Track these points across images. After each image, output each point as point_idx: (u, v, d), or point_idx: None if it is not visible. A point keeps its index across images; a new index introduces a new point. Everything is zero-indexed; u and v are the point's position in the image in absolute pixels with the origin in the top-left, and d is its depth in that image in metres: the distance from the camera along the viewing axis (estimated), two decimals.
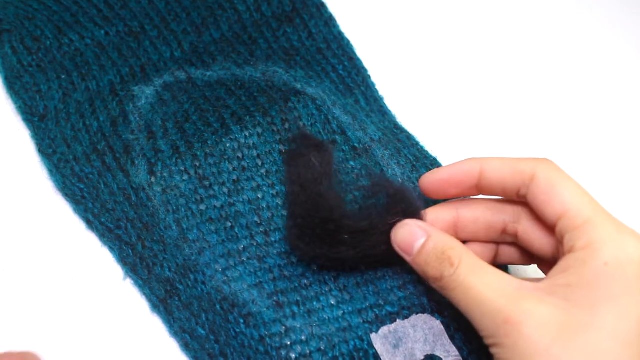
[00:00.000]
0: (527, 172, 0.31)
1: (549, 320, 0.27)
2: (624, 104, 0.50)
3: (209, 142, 0.41)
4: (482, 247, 0.35)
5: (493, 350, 0.29)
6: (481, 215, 0.34)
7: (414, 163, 0.42)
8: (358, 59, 0.50)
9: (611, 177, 0.45)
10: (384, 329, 0.35)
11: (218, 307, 0.35)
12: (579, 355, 0.26)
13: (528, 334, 0.27)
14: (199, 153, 0.41)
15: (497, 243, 0.36)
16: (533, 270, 0.38)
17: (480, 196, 0.35)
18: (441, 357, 0.34)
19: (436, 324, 0.35)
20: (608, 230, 0.28)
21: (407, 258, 0.33)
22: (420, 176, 0.41)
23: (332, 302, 0.36)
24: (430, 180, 0.35)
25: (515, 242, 0.34)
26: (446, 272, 0.30)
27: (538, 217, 0.32)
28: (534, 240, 0.33)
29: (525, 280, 0.30)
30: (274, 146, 0.41)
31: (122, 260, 0.39)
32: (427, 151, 0.44)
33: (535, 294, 0.28)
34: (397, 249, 0.33)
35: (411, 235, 0.33)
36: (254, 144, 0.41)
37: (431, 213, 0.35)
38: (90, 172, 0.43)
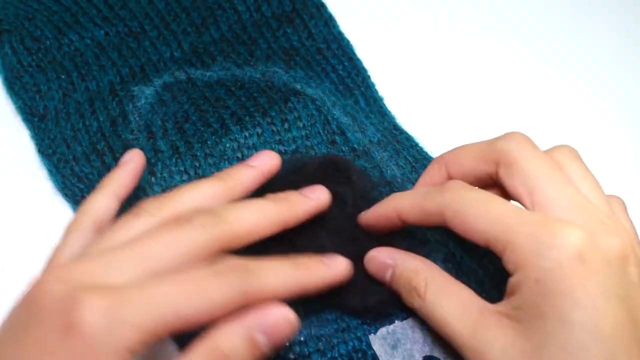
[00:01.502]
0: (435, 215, 0.32)
1: (509, 348, 0.28)
2: (624, 105, 0.50)
3: (208, 143, 0.41)
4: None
5: None
6: (467, 168, 0.34)
7: (413, 164, 0.42)
8: (358, 59, 0.50)
9: (611, 179, 0.45)
10: (383, 330, 0.35)
11: None
12: None
13: None
14: (198, 153, 0.41)
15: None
16: None
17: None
18: (440, 358, 0.34)
19: None
20: (529, 247, 0.28)
21: (385, 284, 0.34)
22: (419, 177, 0.41)
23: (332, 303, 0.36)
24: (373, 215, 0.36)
25: None
26: (415, 304, 0.32)
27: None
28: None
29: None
30: (273, 146, 0.41)
31: None
32: (426, 152, 0.44)
33: (496, 319, 0.29)
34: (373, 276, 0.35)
35: (379, 267, 0.34)
36: (253, 144, 0.41)
37: (427, 175, 0.35)
38: (90, 172, 0.43)
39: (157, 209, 0.31)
